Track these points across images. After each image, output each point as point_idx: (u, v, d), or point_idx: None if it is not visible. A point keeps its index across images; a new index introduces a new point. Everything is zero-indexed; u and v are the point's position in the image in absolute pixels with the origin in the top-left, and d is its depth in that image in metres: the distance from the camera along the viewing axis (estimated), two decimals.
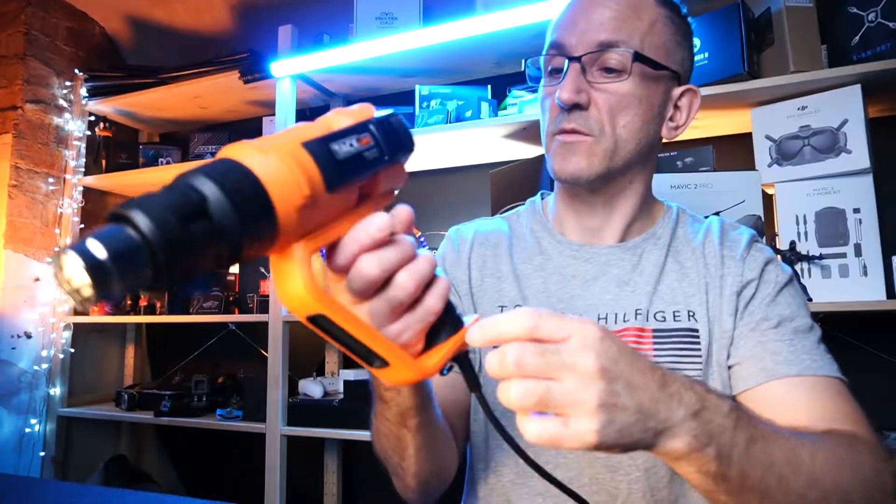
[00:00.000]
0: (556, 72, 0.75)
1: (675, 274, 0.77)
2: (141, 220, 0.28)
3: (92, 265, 0.27)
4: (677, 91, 0.77)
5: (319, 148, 0.36)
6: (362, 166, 0.39)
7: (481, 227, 0.89)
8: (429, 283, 0.43)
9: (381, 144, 0.41)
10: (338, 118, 0.41)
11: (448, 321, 0.45)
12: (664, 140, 0.79)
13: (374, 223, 0.40)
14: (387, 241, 0.40)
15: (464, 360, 0.47)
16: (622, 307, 0.76)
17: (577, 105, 0.72)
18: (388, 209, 0.43)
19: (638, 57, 0.71)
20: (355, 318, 0.40)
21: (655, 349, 0.73)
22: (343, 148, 0.38)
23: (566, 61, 0.72)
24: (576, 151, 0.73)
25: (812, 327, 0.72)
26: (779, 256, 1.37)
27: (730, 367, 0.72)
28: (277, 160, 0.34)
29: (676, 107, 0.78)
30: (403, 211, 0.43)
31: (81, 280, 0.27)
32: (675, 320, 0.74)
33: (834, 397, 0.66)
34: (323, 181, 0.36)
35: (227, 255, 0.32)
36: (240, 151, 0.34)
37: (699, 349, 0.73)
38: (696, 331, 0.73)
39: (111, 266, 0.27)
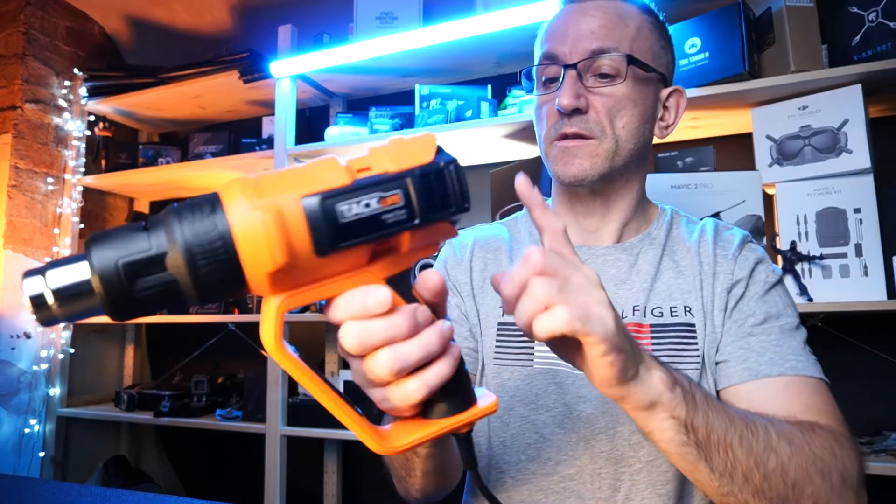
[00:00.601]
0: (551, 81, 0.78)
1: (672, 272, 0.79)
2: (93, 261, 0.31)
3: (32, 296, 0.31)
4: (665, 92, 0.81)
5: (320, 208, 0.33)
6: (372, 229, 0.34)
7: (481, 232, 0.91)
8: (434, 358, 0.39)
9: (412, 205, 0.35)
10: (379, 159, 0.36)
11: (451, 398, 0.41)
12: (656, 140, 0.83)
13: (374, 297, 0.37)
14: (383, 314, 0.37)
15: (464, 440, 0.45)
16: (619, 305, 0.78)
17: (577, 110, 0.74)
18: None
19: (631, 60, 0.74)
20: (316, 379, 0.38)
21: (654, 344, 0.75)
22: (353, 209, 0.34)
23: (562, 69, 0.75)
24: (578, 154, 0.75)
25: (798, 327, 0.74)
26: (779, 257, 1.36)
27: (717, 364, 0.74)
28: (261, 219, 0.31)
29: (665, 107, 0.81)
30: (431, 279, 0.40)
31: (28, 304, 0.31)
32: (672, 315, 0.76)
33: (811, 395, 0.67)
34: (312, 246, 0.33)
35: (183, 304, 0.32)
36: (232, 195, 0.32)
37: (696, 344, 0.74)
38: (693, 325, 0.75)
39: (51, 299, 0.31)
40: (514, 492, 0.76)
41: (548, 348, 0.76)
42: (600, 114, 0.75)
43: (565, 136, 0.76)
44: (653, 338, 0.75)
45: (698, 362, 0.74)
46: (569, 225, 0.84)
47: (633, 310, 0.77)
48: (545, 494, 0.74)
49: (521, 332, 0.79)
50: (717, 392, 0.74)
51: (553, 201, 0.88)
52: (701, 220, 0.86)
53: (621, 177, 0.79)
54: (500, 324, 0.81)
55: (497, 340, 0.80)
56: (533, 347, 0.78)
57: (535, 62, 0.81)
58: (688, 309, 0.76)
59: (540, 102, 0.81)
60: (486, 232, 0.91)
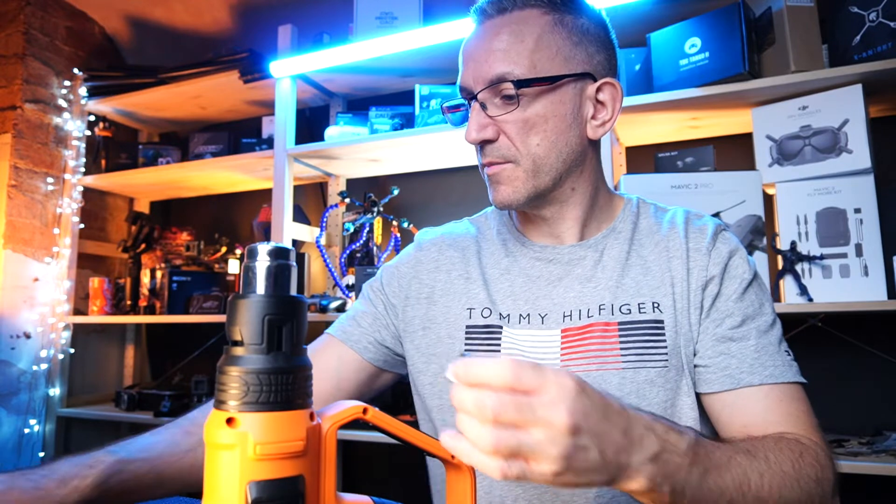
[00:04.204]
0: (468, 111, 0.77)
1: (639, 268, 0.78)
2: None
3: None
4: (593, 88, 0.76)
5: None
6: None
7: (448, 230, 0.92)
8: None
9: None
10: None
11: None
12: (594, 138, 0.78)
13: None
14: None
15: None
16: (585, 303, 0.77)
17: (486, 140, 0.74)
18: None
19: (521, 83, 0.71)
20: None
21: (621, 341, 0.74)
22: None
23: (467, 102, 0.75)
24: (500, 180, 0.76)
25: (773, 324, 0.75)
26: (779, 257, 1.36)
27: (695, 366, 0.74)
28: None
29: (599, 102, 0.77)
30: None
31: None
32: (640, 312, 0.75)
33: (789, 403, 0.70)
34: None
35: None
36: None
37: (664, 341, 0.74)
38: (661, 322, 0.74)
39: None
40: (495, 488, 0.76)
41: (513, 350, 0.77)
42: (510, 138, 0.73)
43: (487, 165, 0.76)
44: (621, 336, 0.74)
45: (665, 360, 0.73)
46: (529, 231, 0.84)
47: (600, 308, 0.76)
48: (523, 490, 0.74)
49: (487, 334, 0.79)
50: (698, 395, 0.74)
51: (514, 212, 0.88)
52: (671, 208, 0.85)
53: (561, 189, 0.77)
54: (468, 327, 0.81)
55: (466, 344, 0.80)
56: (500, 349, 0.78)
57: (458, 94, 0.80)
58: (656, 305, 0.75)
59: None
60: (454, 230, 0.91)
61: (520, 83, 0.71)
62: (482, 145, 0.75)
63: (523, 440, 0.42)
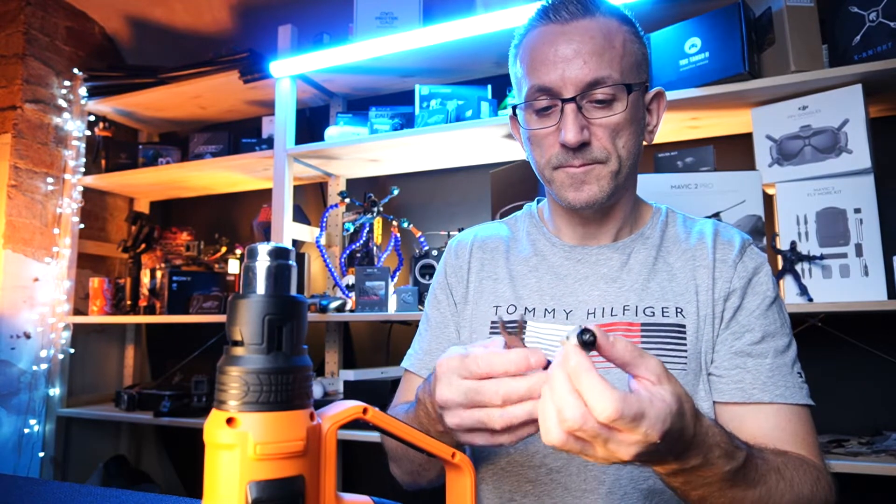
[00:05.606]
0: (545, 111, 0.77)
1: (665, 274, 0.80)
2: None
3: None
4: (649, 97, 0.81)
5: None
6: None
7: (480, 232, 0.94)
8: None
9: None
10: None
11: None
12: (647, 143, 0.84)
13: None
14: None
15: None
16: (609, 303, 0.79)
17: (584, 142, 0.74)
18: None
19: (628, 88, 0.74)
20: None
21: (644, 342, 0.76)
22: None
23: (560, 103, 0.74)
24: (586, 180, 0.76)
25: (790, 344, 0.77)
26: (779, 257, 1.36)
27: (709, 374, 0.76)
28: None
29: (648, 111, 0.82)
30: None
31: None
32: (663, 315, 0.77)
33: (796, 424, 0.73)
34: None
35: None
36: None
37: (685, 345, 0.76)
38: (683, 326, 0.76)
39: None
40: (504, 482, 0.78)
41: (536, 343, 0.79)
42: (603, 140, 0.75)
43: (571, 166, 0.76)
44: (643, 336, 0.76)
45: (684, 363, 0.75)
46: (565, 230, 0.86)
47: (624, 309, 0.78)
48: (533, 486, 0.76)
49: (511, 329, 0.81)
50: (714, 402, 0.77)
51: (548, 208, 0.90)
52: (699, 219, 0.87)
53: (622, 189, 0.80)
54: (492, 322, 0.83)
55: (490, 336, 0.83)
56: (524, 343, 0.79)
57: (522, 90, 0.79)
58: (679, 310, 0.77)
59: (540, 134, 0.78)
60: (485, 231, 0.93)
61: (620, 87, 0.74)
62: (574, 148, 0.74)
63: (586, 450, 0.45)
